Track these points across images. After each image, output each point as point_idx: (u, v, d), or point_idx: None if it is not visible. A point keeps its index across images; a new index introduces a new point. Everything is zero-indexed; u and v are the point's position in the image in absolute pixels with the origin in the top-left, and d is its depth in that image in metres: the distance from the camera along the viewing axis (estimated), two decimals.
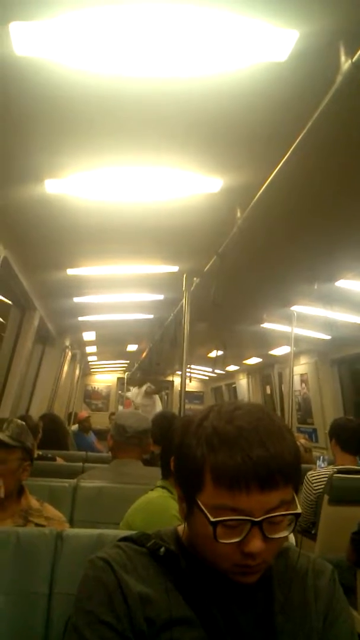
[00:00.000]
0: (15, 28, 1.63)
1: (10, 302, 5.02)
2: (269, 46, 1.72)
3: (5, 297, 4.84)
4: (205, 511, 0.93)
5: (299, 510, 0.97)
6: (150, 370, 9.02)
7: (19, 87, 1.94)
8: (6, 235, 3.42)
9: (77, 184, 2.75)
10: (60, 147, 2.42)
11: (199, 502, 0.94)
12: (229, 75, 1.87)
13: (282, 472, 0.91)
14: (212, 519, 0.92)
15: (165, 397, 15.37)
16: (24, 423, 2.06)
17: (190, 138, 2.34)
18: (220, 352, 8.11)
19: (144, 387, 9.08)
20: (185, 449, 0.98)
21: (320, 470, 3.53)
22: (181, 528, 1.10)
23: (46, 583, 1.37)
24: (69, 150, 2.45)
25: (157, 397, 9.32)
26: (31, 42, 1.69)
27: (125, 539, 1.09)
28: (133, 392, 9.81)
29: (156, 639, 0.95)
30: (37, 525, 1.89)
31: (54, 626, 1.30)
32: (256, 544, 0.91)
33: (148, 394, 8.94)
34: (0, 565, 1.38)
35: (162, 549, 1.04)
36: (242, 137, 2.32)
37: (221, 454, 0.92)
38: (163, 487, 1.98)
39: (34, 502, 2.01)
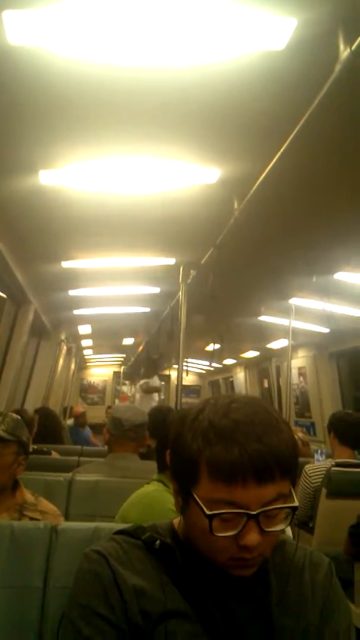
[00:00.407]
0: (9, 17, 1.61)
1: (4, 296, 5.00)
2: (267, 34, 1.71)
3: None
4: (201, 504, 0.93)
5: (296, 503, 0.96)
6: (150, 365, 8.98)
7: (13, 76, 1.93)
8: (0, 227, 3.40)
9: (72, 175, 2.74)
10: (55, 138, 2.40)
11: (195, 496, 0.94)
12: (226, 64, 1.86)
13: (279, 465, 0.91)
14: (208, 512, 0.91)
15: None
16: (19, 417, 2.05)
17: (187, 128, 2.33)
18: (217, 346, 8.12)
19: (139, 383, 9.04)
20: (181, 442, 0.98)
21: (318, 464, 3.53)
22: (177, 521, 1.10)
23: (41, 577, 1.37)
24: (64, 140, 2.43)
25: (155, 394, 9.26)
26: (25, 31, 1.68)
27: (120, 532, 1.09)
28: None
29: (152, 632, 0.95)
30: (32, 519, 1.89)
31: (49, 620, 1.30)
32: (252, 537, 0.91)
33: (145, 392, 8.90)
34: None
35: (158, 542, 1.05)
36: (240, 127, 2.31)
37: (217, 447, 0.91)
38: (159, 481, 1.98)
39: (28, 496, 2.00)
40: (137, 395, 9.02)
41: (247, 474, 0.89)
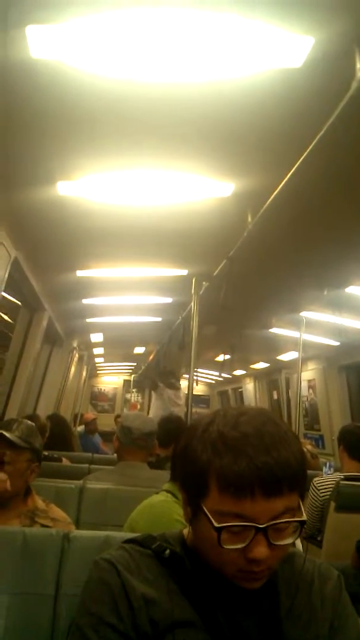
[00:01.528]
0: (32, 31, 1.64)
1: (19, 303, 5.03)
2: (284, 52, 1.73)
3: (15, 298, 4.85)
4: (210, 516, 0.93)
5: (304, 517, 0.96)
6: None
7: (34, 89, 1.96)
8: (18, 236, 3.44)
9: (90, 187, 2.76)
10: (74, 150, 2.43)
11: (204, 507, 0.95)
12: (244, 81, 1.87)
13: (287, 479, 0.91)
14: (216, 525, 0.92)
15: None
16: (33, 424, 2.06)
17: (204, 142, 2.34)
18: (227, 356, 8.10)
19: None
20: (190, 453, 0.98)
21: (327, 477, 3.51)
22: (187, 531, 1.10)
23: (52, 584, 1.37)
24: (82, 152, 2.46)
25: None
26: (47, 45, 1.70)
27: (130, 540, 1.10)
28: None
29: None
30: (43, 526, 1.89)
31: (60, 627, 1.30)
32: (260, 551, 0.92)
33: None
34: (7, 566, 1.39)
35: (167, 551, 1.05)
36: (256, 142, 2.32)
37: (226, 459, 0.92)
38: (168, 491, 1.98)
39: (40, 503, 2.01)
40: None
41: (255, 487, 0.89)
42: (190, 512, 1.01)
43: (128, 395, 15.66)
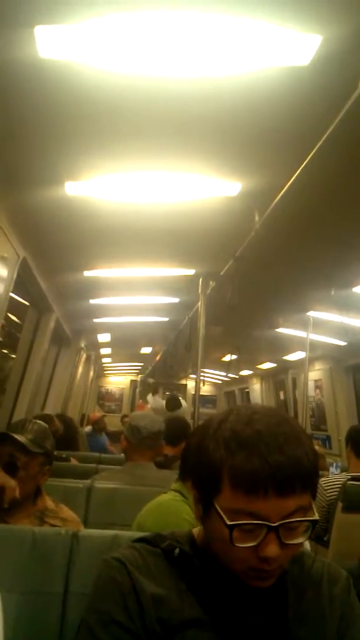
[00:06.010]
0: (41, 31, 1.65)
1: (27, 304, 5.04)
2: (291, 50, 1.72)
3: (23, 299, 4.87)
4: (222, 514, 0.93)
5: (316, 517, 0.96)
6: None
7: (42, 89, 1.96)
8: (26, 237, 3.45)
9: (97, 187, 2.77)
10: (82, 150, 2.43)
11: (216, 505, 0.94)
12: (251, 79, 1.87)
13: (300, 478, 0.91)
14: (228, 523, 0.92)
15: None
16: (46, 425, 2.04)
17: (211, 141, 2.34)
18: (234, 356, 8.09)
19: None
20: (203, 450, 0.98)
21: (333, 477, 3.50)
22: (196, 530, 1.10)
23: (61, 582, 1.37)
24: (90, 153, 2.46)
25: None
26: (55, 45, 1.70)
27: (140, 539, 1.10)
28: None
29: None
30: (52, 526, 1.88)
31: (69, 626, 1.30)
32: (272, 549, 0.91)
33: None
34: (17, 565, 1.39)
35: (177, 550, 1.05)
36: (263, 141, 2.32)
37: (239, 457, 0.92)
38: (177, 491, 1.98)
39: (49, 503, 2.00)
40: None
41: (268, 485, 0.89)
42: (201, 509, 1.00)
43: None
